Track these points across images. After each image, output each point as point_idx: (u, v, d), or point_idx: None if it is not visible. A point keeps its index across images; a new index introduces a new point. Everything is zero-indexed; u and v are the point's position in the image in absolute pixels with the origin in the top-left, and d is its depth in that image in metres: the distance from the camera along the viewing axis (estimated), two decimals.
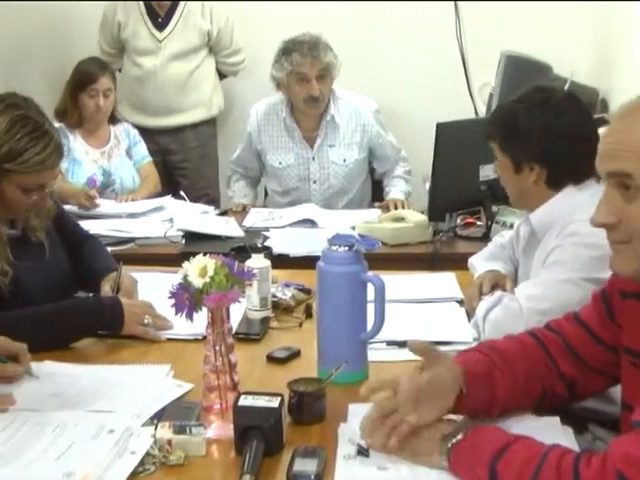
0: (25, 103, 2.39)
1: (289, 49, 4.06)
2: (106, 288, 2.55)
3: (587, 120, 2.37)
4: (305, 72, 4.02)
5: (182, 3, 4.69)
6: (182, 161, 4.86)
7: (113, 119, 4.34)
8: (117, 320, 2.37)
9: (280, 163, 4.23)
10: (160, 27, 4.69)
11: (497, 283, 2.48)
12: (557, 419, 1.77)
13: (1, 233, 2.38)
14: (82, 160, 4.20)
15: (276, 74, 4.10)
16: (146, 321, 2.40)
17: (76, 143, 4.21)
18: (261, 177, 4.46)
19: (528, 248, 2.48)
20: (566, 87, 3.77)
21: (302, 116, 4.20)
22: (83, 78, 4.16)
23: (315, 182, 4.24)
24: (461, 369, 1.73)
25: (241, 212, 4.02)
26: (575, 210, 2.25)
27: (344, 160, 4.22)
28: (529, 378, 1.79)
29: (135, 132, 4.44)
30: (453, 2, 4.62)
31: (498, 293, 2.37)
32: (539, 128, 2.31)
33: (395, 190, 4.28)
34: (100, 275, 2.62)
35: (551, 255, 2.28)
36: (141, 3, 4.70)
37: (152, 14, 4.70)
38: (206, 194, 4.80)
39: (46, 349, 2.22)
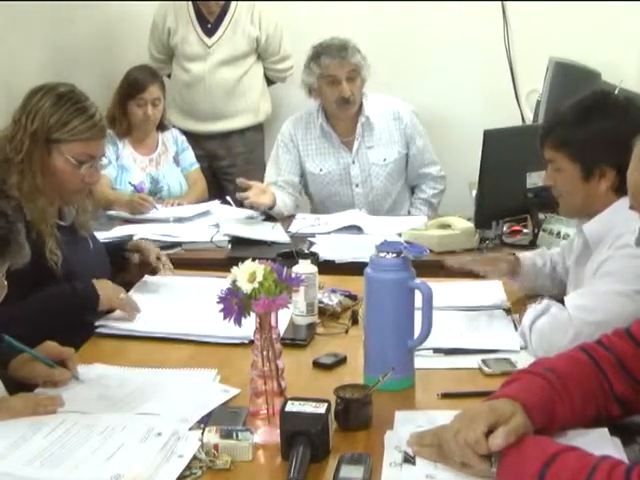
0: (65, 84, 2.50)
1: (318, 53, 4.05)
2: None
3: None
4: (335, 74, 4.00)
5: (231, 9, 4.71)
6: (229, 166, 4.87)
7: (161, 126, 4.36)
8: (92, 296, 2.44)
9: (321, 170, 4.19)
10: (209, 33, 4.71)
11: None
12: (606, 430, 1.74)
13: (48, 215, 2.45)
14: (130, 167, 4.23)
15: (307, 79, 4.09)
16: (122, 295, 2.50)
17: (125, 151, 4.24)
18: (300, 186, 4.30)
19: (580, 259, 2.45)
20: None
21: (337, 121, 4.17)
22: (132, 86, 4.20)
23: (358, 186, 4.19)
24: (520, 406, 1.65)
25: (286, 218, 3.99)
26: (628, 221, 2.21)
27: (384, 159, 4.17)
28: (586, 401, 1.75)
29: (183, 138, 4.46)
30: (501, 8, 4.61)
31: (545, 301, 2.34)
32: (608, 130, 2.27)
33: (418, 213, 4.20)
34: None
35: (603, 266, 2.25)
36: (191, 9, 4.73)
37: (202, 20, 4.72)
38: None
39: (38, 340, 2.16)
